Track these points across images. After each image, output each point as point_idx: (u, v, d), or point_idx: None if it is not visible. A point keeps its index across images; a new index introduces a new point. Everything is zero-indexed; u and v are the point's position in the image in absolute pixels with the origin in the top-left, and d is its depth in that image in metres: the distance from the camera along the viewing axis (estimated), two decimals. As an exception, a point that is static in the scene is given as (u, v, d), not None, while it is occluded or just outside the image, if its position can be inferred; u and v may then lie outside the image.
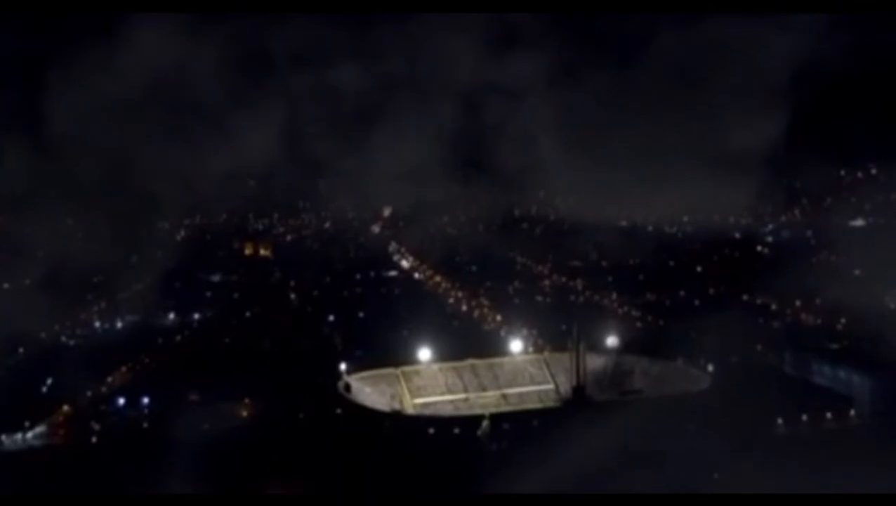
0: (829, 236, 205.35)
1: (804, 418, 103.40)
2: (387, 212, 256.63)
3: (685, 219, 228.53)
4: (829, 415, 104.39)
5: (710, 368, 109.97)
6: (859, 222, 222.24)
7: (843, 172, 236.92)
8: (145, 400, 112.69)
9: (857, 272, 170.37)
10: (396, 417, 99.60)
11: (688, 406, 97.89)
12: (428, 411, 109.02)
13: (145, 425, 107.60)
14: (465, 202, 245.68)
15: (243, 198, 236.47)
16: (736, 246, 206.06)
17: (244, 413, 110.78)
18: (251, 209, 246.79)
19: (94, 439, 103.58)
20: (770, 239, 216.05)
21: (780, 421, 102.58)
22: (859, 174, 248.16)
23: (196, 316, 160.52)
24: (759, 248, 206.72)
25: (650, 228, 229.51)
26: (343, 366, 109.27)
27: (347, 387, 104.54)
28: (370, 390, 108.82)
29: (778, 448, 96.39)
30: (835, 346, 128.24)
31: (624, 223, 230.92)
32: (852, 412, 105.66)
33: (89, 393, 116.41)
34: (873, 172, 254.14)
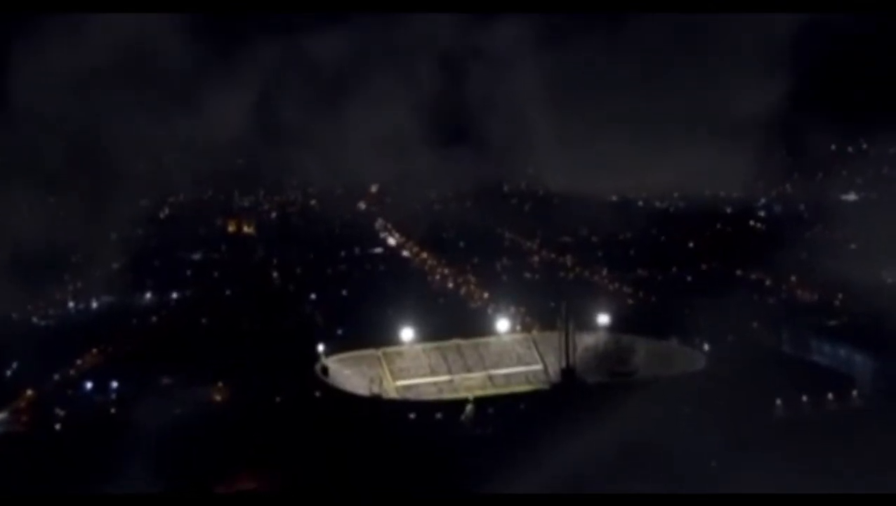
0: (823, 211, 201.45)
1: (804, 399, 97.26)
2: (374, 188, 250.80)
3: (676, 194, 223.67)
4: (830, 396, 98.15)
5: (706, 347, 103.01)
6: (852, 197, 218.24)
7: (833, 147, 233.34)
8: (114, 384, 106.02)
9: (852, 247, 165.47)
10: (376, 401, 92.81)
11: (684, 388, 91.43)
12: (410, 394, 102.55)
13: (113, 410, 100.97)
14: (453, 178, 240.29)
15: (229, 175, 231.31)
16: (728, 221, 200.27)
17: (218, 397, 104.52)
18: (237, 186, 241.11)
19: (57, 427, 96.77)
20: (763, 214, 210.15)
21: (779, 403, 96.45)
22: (850, 149, 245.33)
23: (174, 295, 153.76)
24: (751, 222, 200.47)
25: (641, 204, 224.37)
26: (321, 347, 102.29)
27: (325, 370, 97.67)
28: (350, 373, 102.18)
29: (778, 432, 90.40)
30: (833, 323, 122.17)
31: (614, 198, 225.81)
32: (854, 393, 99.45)
33: (56, 377, 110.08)
34: (864, 146, 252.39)
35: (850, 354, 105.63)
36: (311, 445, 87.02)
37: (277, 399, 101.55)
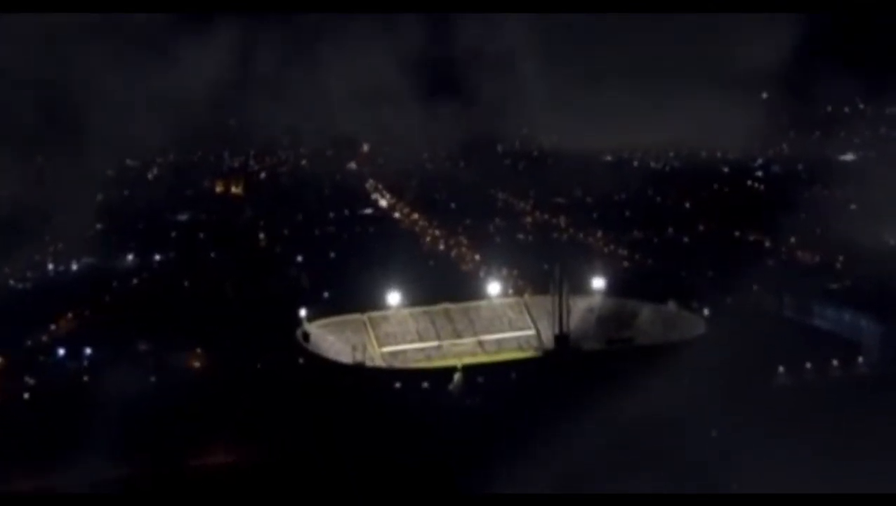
0: (821, 171, 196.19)
1: (808, 366, 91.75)
2: (365, 148, 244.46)
3: (671, 154, 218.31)
4: (834, 362, 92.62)
5: (706, 312, 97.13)
6: (850, 157, 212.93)
7: (829, 108, 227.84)
8: (88, 351, 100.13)
9: (853, 207, 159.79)
10: (359, 369, 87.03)
11: (683, 355, 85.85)
12: (396, 361, 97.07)
13: (85, 378, 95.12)
14: (446, 138, 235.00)
15: (220, 137, 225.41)
16: (725, 181, 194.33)
17: (196, 364, 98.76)
18: (227, 147, 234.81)
19: (26, 396, 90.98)
20: (760, 174, 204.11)
21: (781, 370, 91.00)
22: (846, 109, 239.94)
23: (157, 257, 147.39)
24: (749, 183, 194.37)
25: (636, 164, 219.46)
26: (303, 312, 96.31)
27: (306, 336, 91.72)
28: (334, 339, 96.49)
29: (781, 401, 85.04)
30: (835, 286, 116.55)
31: (609, 158, 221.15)
32: (860, 359, 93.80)
33: (29, 343, 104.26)
34: (861, 106, 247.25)
35: (855, 318, 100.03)
36: (291, 415, 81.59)
37: (258, 366, 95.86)
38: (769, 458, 70.81)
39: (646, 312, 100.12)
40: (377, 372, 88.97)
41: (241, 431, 79.60)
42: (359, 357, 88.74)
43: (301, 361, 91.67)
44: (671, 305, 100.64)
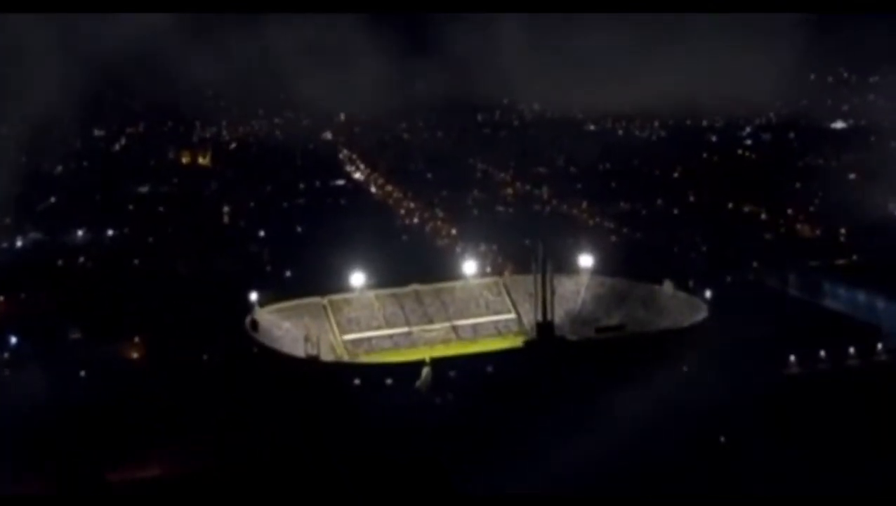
0: (813, 139, 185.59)
1: (822, 354, 79.07)
2: (342, 117, 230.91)
3: (656, 123, 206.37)
4: (851, 350, 79.86)
5: (707, 293, 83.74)
6: (840, 125, 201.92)
7: (813, 77, 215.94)
8: (13, 339, 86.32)
9: (852, 176, 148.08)
10: (312, 364, 73.57)
11: (685, 346, 73.09)
12: (360, 350, 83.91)
13: (6, 372, 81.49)
14: (424, 106, 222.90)
15: (194, 106, 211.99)
16: (714, 150, 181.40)
17: (134, 355, 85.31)
18: (200, 118, 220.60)
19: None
20: (749, 142, 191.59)
21: (792, 359, 78.35)
22: (829, 79, 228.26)
23: (109, 232, 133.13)
24: (739, 151, 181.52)
25: (620, 133, 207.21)
26: (254, 295, 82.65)
27: (254, 324, 78.03)
28: (289, 326, 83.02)
29: (794, 394, 72.57)
30: (843, 261, 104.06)
31: (592, 127, 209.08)
32: (879, 346, 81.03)
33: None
34: (845, 75, 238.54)
35: (872, 299, 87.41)
36: (234, 418, 68.51)
37: (202, 359, 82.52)
38: (786, 468, 59.33)
39: (639, 293, 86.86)
40: (333, 367, 75.44)
41: (172, 438, 66.59)
42: (312, 350, 75.04)
43: (250, 353, 78.17)
44: (667, 286, 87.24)
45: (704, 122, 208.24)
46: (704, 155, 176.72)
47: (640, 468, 58.41)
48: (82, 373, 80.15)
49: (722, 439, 64.47)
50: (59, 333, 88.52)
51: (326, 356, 79.09)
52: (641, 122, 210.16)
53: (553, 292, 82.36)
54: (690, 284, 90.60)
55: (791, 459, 60.47)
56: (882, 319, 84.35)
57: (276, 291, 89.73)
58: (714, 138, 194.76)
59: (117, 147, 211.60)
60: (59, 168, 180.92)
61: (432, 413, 68.70)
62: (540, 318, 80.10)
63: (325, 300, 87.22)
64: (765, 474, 59.20)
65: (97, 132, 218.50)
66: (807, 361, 78.38)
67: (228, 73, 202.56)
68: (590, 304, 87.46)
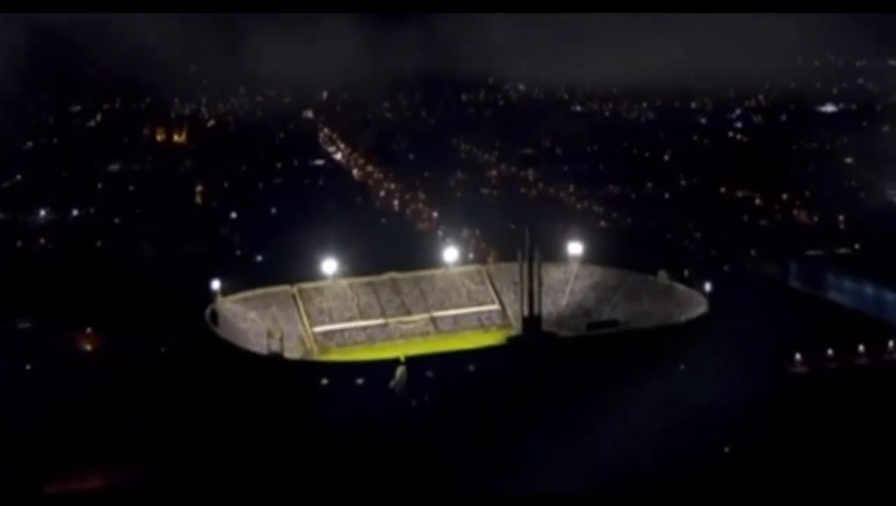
0: (805, 122, 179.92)
1: (829, 352, 72.19)
2: (324, 96, 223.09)
3: (644, 105, 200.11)
4: (861, 347, 72.99)
5: (706, 285, 76.27)
6: (830, 108, 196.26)
7: (800, 60, 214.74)
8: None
9: (848, 161, 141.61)
10: (275, 362, 66.01)
11: (683, 343, 65.99)
12: (332, 344, 76.40)
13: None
14: (408, 86, 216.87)
15: (175, 82, 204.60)
16: (705, 132, 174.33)
17: (86, 347, 77.56)
18: (179, 94, 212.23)
19: None
20: (739, 125, 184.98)
21: (798, 357, 71.44)
22: (816, 62, 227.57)
23: (74, 213, 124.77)
24: (730, 134, 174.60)
25: (607, 114, 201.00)
26: (216, 284, 74.80)
27: (214, 316, 70.20)
28: (255, 317, 75.38)
29: (801, 395, 65.74)
30: (844, 250, 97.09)
31: (579, 108, 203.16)
32: (891, 343, 74.18)
33: None
34: (832, 59, 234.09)
35: (881, 292, 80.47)
36: (190, 421, 61.08)
37: (161, 351, 74.87)
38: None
39: (632, 285, 79.51)
40: (299, 365, 67.85)
41: (119, 444, 59.11)
42: (275, 346, 67.36)
43: (208, 349, 70.44)
44: (662, 276, 80.00)
45: (693, 104, 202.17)
46: (695, 137, 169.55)
47: (638, 481, 52.06)
48: (27, 366, 72.73)
49: (726, 449, 57.67)
50: (5, 322, 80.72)
51: (294, 351, 71.59)
52: (629, 103, 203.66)
53: (540, 283, 75.00)
54: (686, 273, 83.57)
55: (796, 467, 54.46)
56: (892, 315, 77.50)
57: (244, 278, 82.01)
58: (703, 120, 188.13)
59: (92, 123, 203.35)
60: (30, 144, 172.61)
61: (407, 418, 61.69)
62: (526, 311, 72.66)
63: (294, 289, 79.47)
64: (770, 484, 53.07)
65: (74, 108, 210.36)
66: (812, 358, 71.61)
67: (211, 49, 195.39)
68: (580, 295, 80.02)
